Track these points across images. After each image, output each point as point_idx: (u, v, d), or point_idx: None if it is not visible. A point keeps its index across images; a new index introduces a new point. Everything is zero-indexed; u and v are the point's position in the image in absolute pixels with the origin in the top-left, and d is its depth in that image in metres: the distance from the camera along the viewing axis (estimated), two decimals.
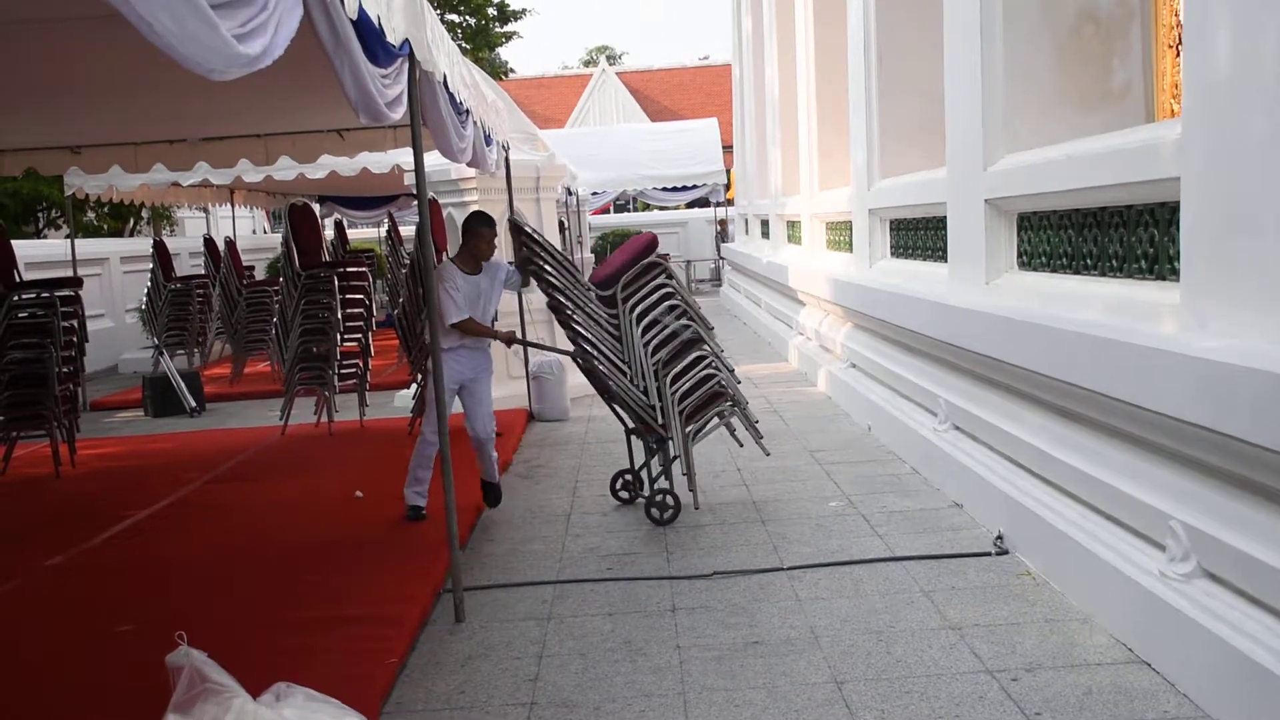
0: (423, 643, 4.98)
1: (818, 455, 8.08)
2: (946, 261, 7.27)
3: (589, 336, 6.56)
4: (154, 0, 2.22)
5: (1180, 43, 5.48)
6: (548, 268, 6.65)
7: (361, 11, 3.80)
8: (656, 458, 6.85)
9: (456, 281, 6.50)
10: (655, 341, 6.61)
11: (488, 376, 6.79)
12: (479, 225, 6.61)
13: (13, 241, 9.16)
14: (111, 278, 16.81)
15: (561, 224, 19.07)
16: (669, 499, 6.58)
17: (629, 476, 7.09)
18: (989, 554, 5.63)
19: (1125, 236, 5.00)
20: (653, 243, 6.86)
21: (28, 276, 9.20)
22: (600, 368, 6.54)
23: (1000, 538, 5.69)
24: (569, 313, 6.59)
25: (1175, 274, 4.45)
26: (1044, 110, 6.22)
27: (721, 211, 26.97)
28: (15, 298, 8.60)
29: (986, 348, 6.11)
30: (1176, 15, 5.86)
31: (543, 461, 8.51)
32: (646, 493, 6.78)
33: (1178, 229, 4.33)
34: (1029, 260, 6.14)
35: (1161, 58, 6.18)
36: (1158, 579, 4.21)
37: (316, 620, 5.14)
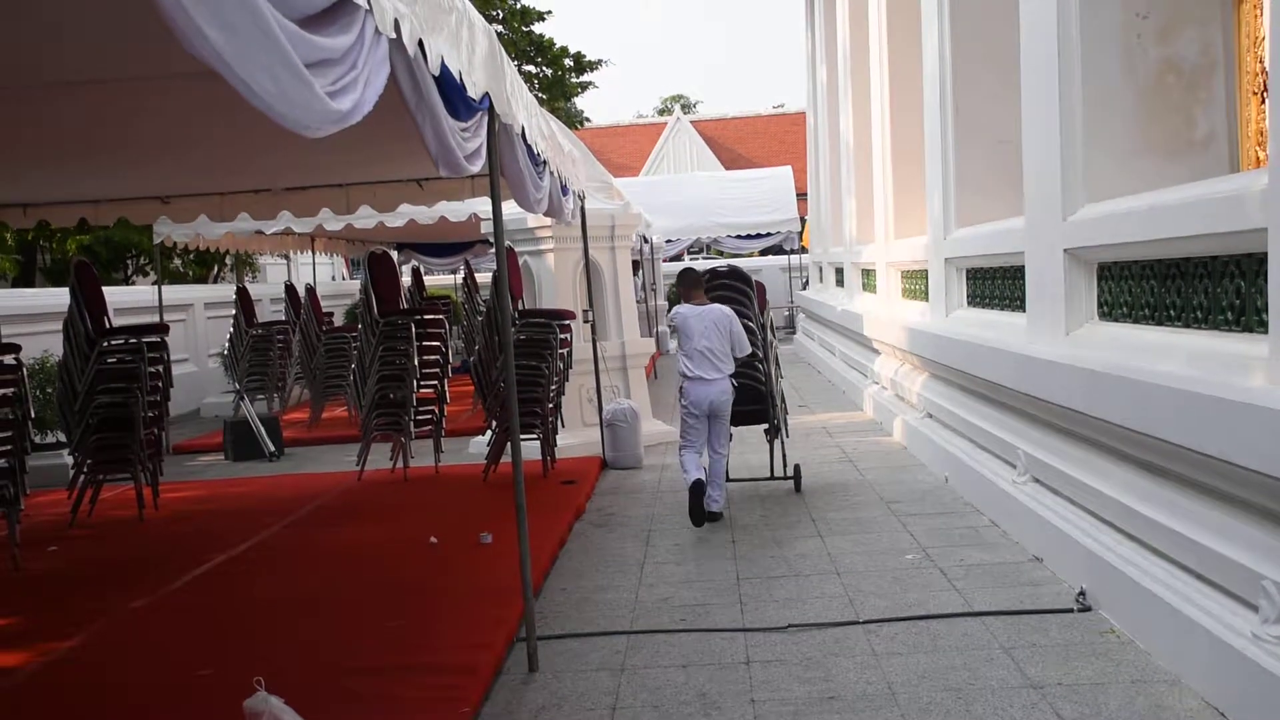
0: (496, 691, 4.98)
1: (893, 506, 7.99)
2: (1025, 311, 7.18)
3: (760, 354, 8.46)
4: (253, 63, 2.29)
5: (1265, 90, 5.40)
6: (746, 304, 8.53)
7: (444, 67, 3.88)
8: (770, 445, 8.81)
9: None
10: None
11: None
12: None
13: (103, 288, 9.41)
14: (195, 323, 17.20)
15: (636, 264, 19.27)
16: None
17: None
18: (1071, 610, 5.51)
19: (1210, 287, 4.90)
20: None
21: (116, 322, 9.42)
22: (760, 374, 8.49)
23: (1083, 594, 5.57)
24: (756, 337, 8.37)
25: (1263, 326, 4.35)
26: (1125, 159, 6.14)
27: (795, 259, 26.93)
28: (105, 343, 8.82)
29: (1067, 399, 6.02)
30: (1261, 62, 5.78)
31: (616, 509, 8.51)
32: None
33: (1265, 280, 4.24)
34: (1110, 311, 6.05)
35: (1246, 105, 6.09)
36: (1250, 640, 4.09)
37: (392, 667, 5.16)
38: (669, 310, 23.82)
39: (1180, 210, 4.99)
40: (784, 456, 8.83)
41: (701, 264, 28.09)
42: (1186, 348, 5.00)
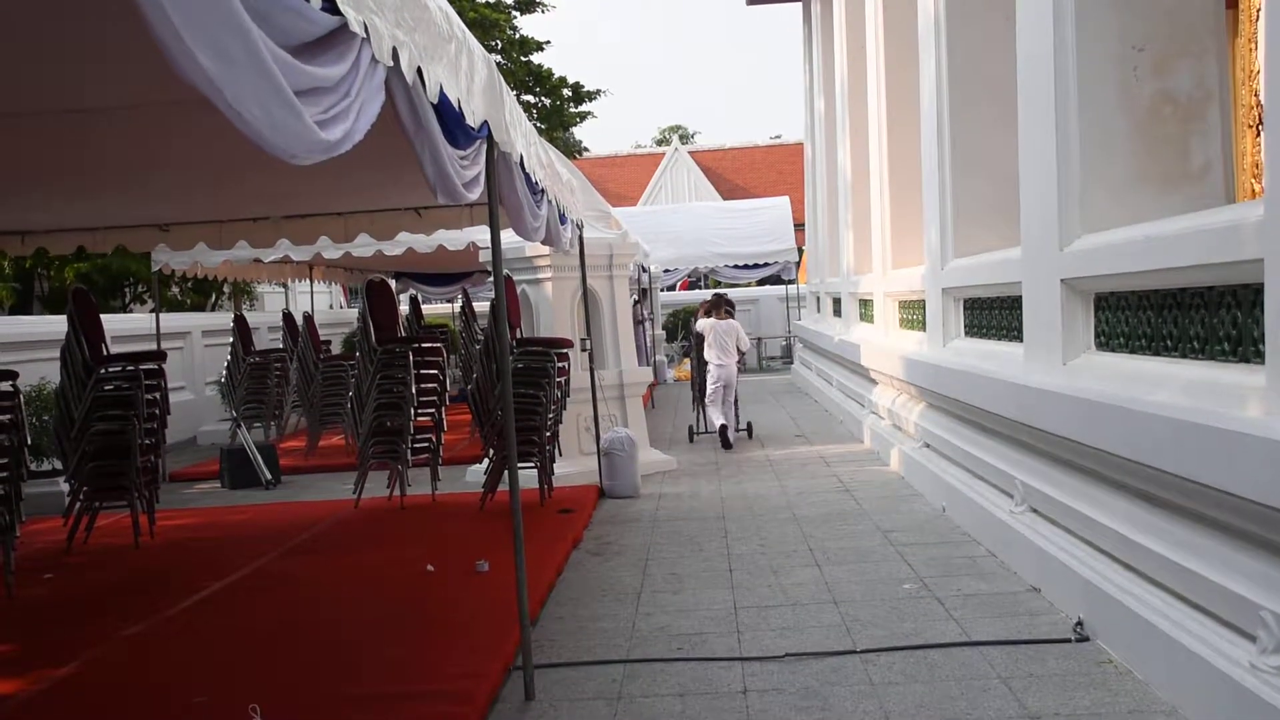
0: None
1: (891, 536, 7.97)
2: (1022, 341, 7.19)
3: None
4: (243, 90, 2.29)
5: (1261, 123, 5.43)
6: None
7: (442, 95, 3.89)
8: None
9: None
10: None
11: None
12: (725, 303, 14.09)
13: (101, 315, 9.41)
14: (193, 351, 17.19)
15: (644, 292, 19.49)
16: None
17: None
18: (1069, 640, 5.49)
19: (1207, 318, 4.91)
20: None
21: (114, 349, 9.41)
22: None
23: (1080, 624, 5.55)
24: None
25: (1260, 356, 4.36)
26: (1121, 190, 6.16)
27: (792, 289, 27.01)
28: (102, 371, 8.81)
29: (1064, 429, 6.02)
30: (1256, 95, 5.82)
31: (613, 539, 8.49)
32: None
33: (1262, 311, 4.25)
34: (1107, 341, 6.06)
35: (1242, 138, 6.13)
36: (1248, 671, 4.07)
37: (388, 695, 5.13)
38: (684, 332, 26.88)
39: (1176, 241, 5.00)
40: (738, 416, 13.77)
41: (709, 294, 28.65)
42: (1183, 378, 5.00)
